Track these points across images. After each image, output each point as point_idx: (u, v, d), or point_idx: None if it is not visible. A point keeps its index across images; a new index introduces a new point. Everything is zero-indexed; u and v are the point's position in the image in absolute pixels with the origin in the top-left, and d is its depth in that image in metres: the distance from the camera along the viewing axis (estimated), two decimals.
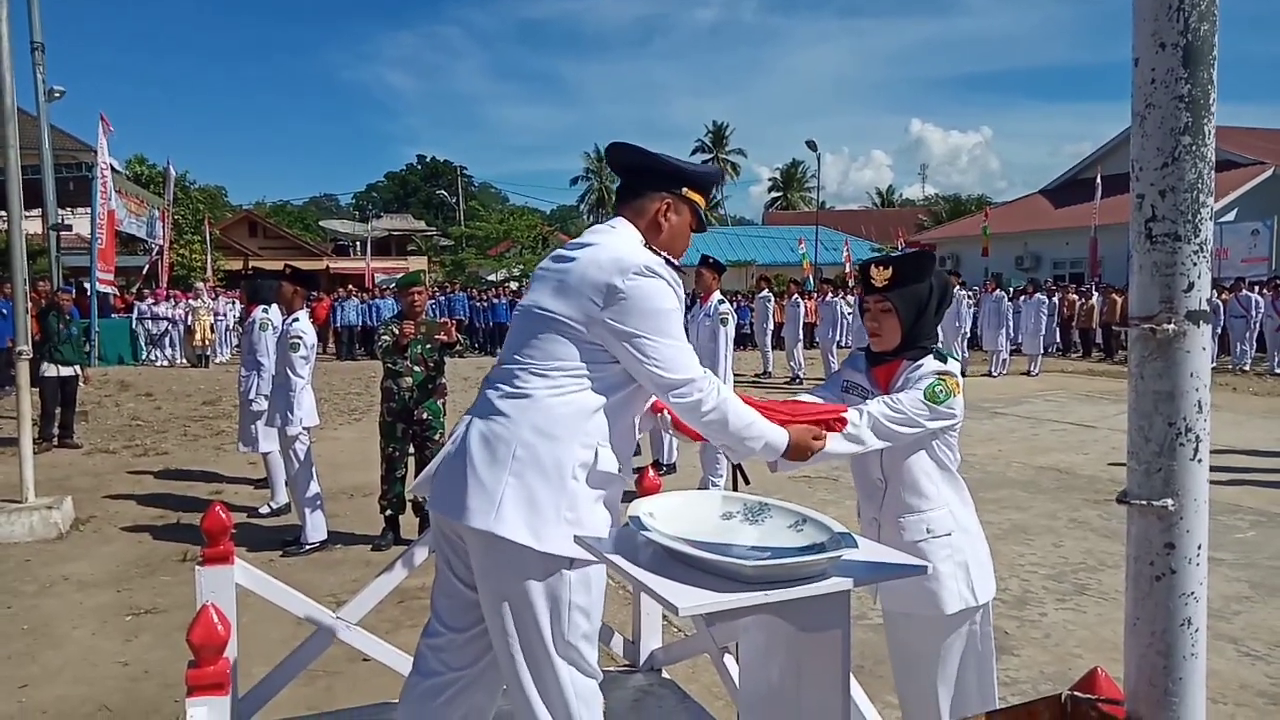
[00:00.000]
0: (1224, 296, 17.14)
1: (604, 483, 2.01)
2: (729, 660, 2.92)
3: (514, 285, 27.68)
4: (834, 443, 2.18)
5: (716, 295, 6.92)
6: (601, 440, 2.01)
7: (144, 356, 19.35)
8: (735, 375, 7.14)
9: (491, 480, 1.94)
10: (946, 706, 2.42)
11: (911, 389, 2.32)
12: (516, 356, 2.07)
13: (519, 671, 1.99)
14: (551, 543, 1.92)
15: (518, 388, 2.02)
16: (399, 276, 7.02)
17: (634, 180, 2.20)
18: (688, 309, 11.05)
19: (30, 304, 7.40)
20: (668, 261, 2.09)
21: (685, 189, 2.18)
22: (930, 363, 2.37)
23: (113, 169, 18.37)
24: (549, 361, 2.01)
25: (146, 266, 24.68)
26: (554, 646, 1.98)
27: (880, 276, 2.41)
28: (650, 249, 2.11)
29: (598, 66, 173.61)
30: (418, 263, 38.06)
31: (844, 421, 2.19)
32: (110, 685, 3.80)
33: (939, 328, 2.54)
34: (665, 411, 2.28)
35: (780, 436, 2.06)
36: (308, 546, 5.66)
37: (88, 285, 18.19)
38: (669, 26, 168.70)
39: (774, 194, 63.01)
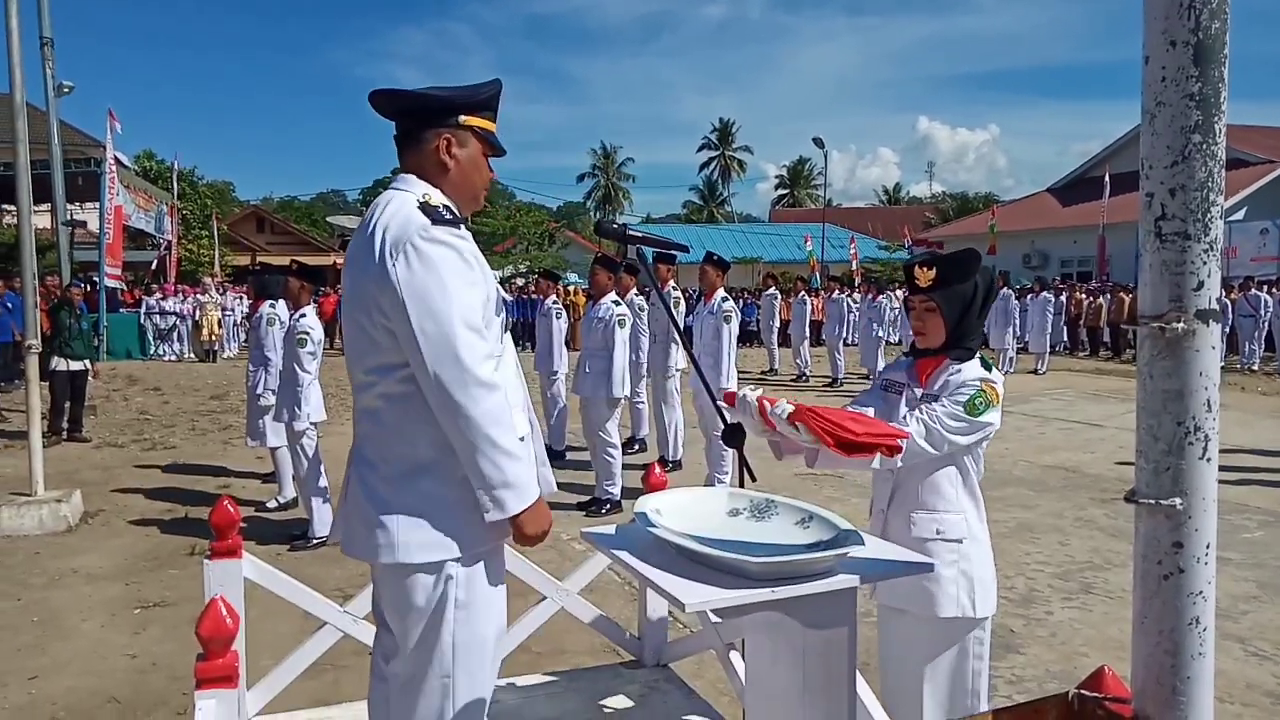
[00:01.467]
0: (1233, 296, 17.07)
1: None
2: (734, 656, 2.93)
3: (520, 281, 27.70)
4: (876, 461, 2.15)
5: (720, 292, 6.92)
6: None
7: (152, 351, 19.42)
8: (741, 372, 7.14)
9: (378, 509, 1.86)
10: (930, 712, 2.42)
11: (951, 399, 2.31)
12: (357, 372, 1.94)
13: (404, 700, 1.91)
14: (436, 551, 1.84)
15: (372, 405, 1.91)
16: None
17: (408, 125, 1.99)
18: (691, 307, 11.02)
19: (40, 299, 7.43)
20: (444, 218, 1.86)
21: (461, 117, 1.97)
22: (974, 369, 2.36)
23: (121, 164, 18.42)
24: (388, 369, 1.86)
25: (155, 261, 24.75)
26: (436, 663, 1.88)
27: (924, 277, 2.41)
28: (425, 207, 1.86)
29: (604, 63, 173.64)
30: None
31: (900, 449, 2.15)
32: (119, 677, 3.83)
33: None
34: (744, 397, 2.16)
35: (528, 497, 1.83)
36: (315, 540, 5.68)
37: (96, 280, 18.25)
38: (676, 23, 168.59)
39: (781, 191, 62.84)
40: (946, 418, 2.27)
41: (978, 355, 2.41)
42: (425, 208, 1.86)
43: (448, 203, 1.93)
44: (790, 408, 2.04)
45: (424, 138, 1.97)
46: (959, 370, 2.36)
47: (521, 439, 1.95)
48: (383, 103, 2.01)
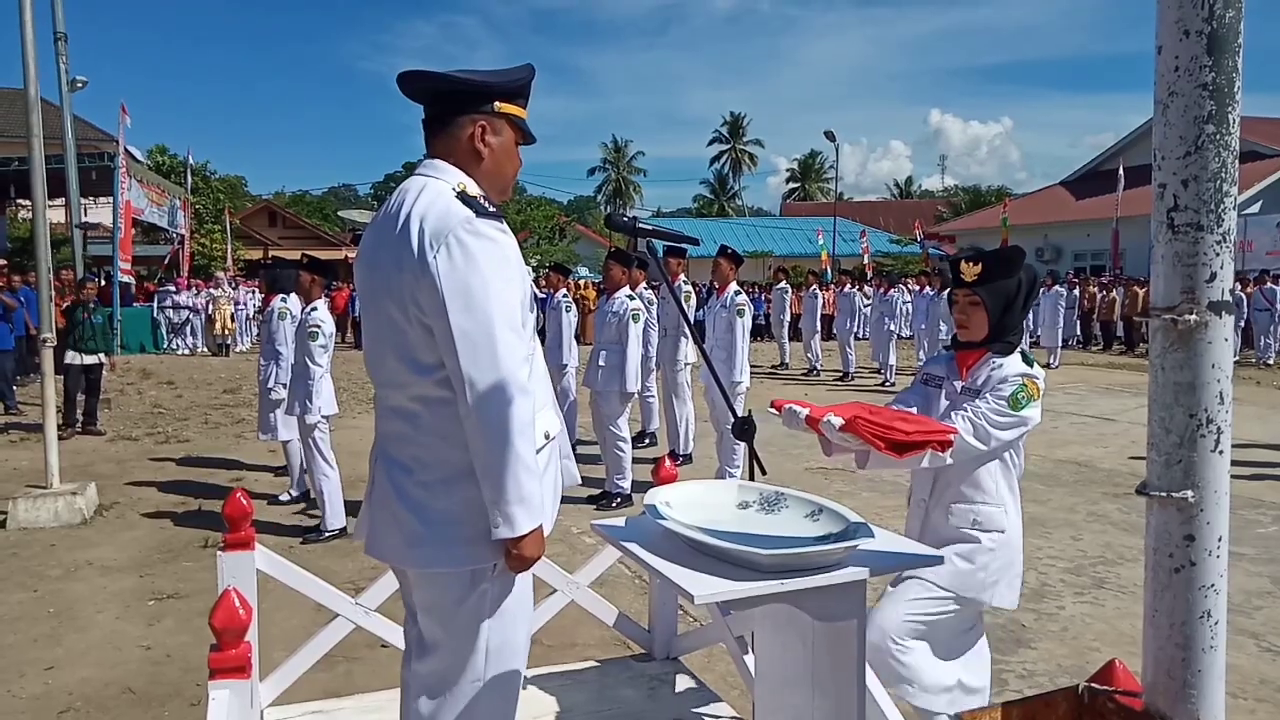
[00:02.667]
0: (1248, 290, 16.94)
1: (539, 461, 1.84)
2: (744, 649, 2.93)
3: (530, 275, 27.77)
4: (926, 459, 2.22)
5: (733, 286, 6.90)
6: None
7: (165, 345, 19.54)
8: (752, 366, 7.13)
9: (414, 514, 1.80)
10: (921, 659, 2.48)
11: (994, 394, 2.36)
12: (387, 367, 1.85)
13: (441, 706, 1.87)
14: (475, 558, 1.80)
15: (405, 406, 1.83)
16: None
17: (439, 109, 1.91)
18: (704, 300, 11.04)
19: (55, 293, 7.48)
20: (488, 211, 1.78)
21: (497, 103, 1.90)
22: (1015, 364, 2.42)
23: (134, 158, 18.49)
24: (425, 368, 1.78)
25: (168, 256, 24.87)
26: (470, 668, 1.85)
27: (969, 272, 2.47)
28: (465, 197, 1.78)
29: (614, 56, 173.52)
30: None
31: (950, 444, 2.21)
32: (133, 668, 3.86)
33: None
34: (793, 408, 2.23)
35: (534, 518, 1.74)
36: (327, 534, 5.71)
37: (110, 274, 18.35)
38: (685, 16, 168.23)
39: (792, 185, 62.61)
40: (991, 413, 2.34)
41: (1019, 350, 2.46)
42: (465, 198, 1.78)
43: (483, 193, 1.85)
44: (840, 420, 2.10)
45: (457, 124, 1.89)
46: (1000, 365, 2.43)
47: (550, 436, 1.92)
48: (413, 85, 1.92)
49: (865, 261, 28.28)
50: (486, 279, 1.71)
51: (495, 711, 1.89)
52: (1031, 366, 2.42)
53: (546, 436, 1.89)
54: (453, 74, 1.91)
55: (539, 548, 1.78)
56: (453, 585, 1.82)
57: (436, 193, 1.79)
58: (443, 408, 1.77)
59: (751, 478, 2.25)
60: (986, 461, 2.42)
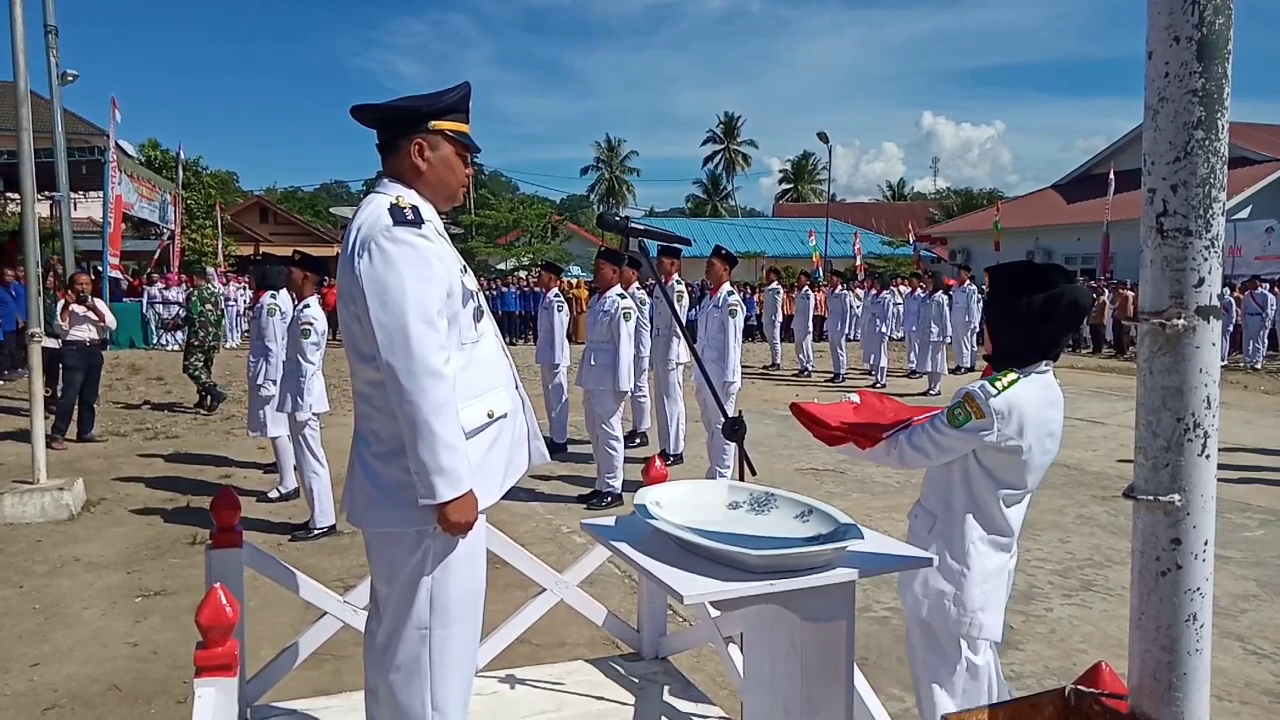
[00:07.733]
0: (1238, 294, 17.04)
1: (484, 437, 2.08)
2: (733, 650, 2.93)
3: (523, 274, 27.70)
4: (869, 455, 2.39)
5: (726, 286, 6.91)
6: (461, 400, 1.99)
7: (155, 341, 19.44)
8: (744, 367, 7.14)
9: (370, 481, 2.05)
10: (926, 704, 2.47)
11: (947, 407, 2.35)
12: (350, 358, 2.10)
13: (386, 651, 2.10)
14: (420, 519, 1.99)
15: (364, 389, 2.07)
16: None
17: (385, 134, 2.15)
18: (697, 300, 11.07)
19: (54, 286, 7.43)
20: (407, 220, 1.98)
21: (431, 123, 2.11)
22: (974, 381, 2.33)
23: (124, 153, 18.38)
24: (369, 357, 1.99)
25: (158, 251, 24.75)
26: (414, 616, 2.05)
27: (987, 283, 2.50)
28: (394, 208, 1.99)
29: (606, 56, 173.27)
30: None
31: (872, 442, 2.33)
32: (120, 665, 3.84)
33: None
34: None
35: (460, 485, 1.93)
36: (315, 531, 5.69)
37: (99, 268, 18.25)
38: (678, 15, 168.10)
39: (784, 186, 62.61)
40: (931, 426, 2.33)
41: (1008, 370, 2.29)
42: (393, 209, 2.00)
43: (418, 204, 2.06)
44: (794, 400, 2.23)
45: (400, 145, 2.12)
46: (977, 380, 2.36)
47: (495, 415, 2.10)
48: (361, 116, 2.17)
49: (857, 263, 28.35)
50: (400, 276, 1.93)
51: (445, 657, 2.07)
52: (993, 385, 2.25)
53: (489, 415, 2.09)
54: (390, 102, 2.15)
55: (465, 513, 1.97)
56: (401, 543, 2.05)
57: (375, 205, 2.03)
58: (386, 390, 1.97)
59: (742, 478, 2.25)
60: (955, 473, 2.35)
